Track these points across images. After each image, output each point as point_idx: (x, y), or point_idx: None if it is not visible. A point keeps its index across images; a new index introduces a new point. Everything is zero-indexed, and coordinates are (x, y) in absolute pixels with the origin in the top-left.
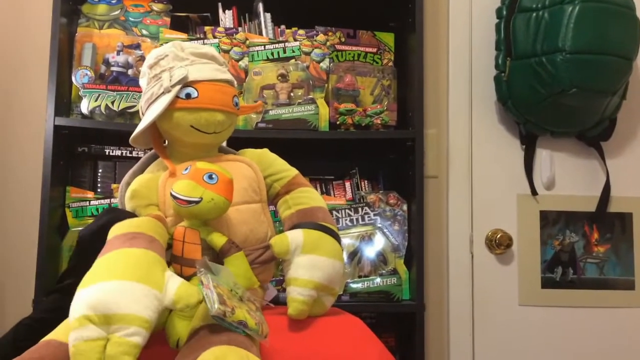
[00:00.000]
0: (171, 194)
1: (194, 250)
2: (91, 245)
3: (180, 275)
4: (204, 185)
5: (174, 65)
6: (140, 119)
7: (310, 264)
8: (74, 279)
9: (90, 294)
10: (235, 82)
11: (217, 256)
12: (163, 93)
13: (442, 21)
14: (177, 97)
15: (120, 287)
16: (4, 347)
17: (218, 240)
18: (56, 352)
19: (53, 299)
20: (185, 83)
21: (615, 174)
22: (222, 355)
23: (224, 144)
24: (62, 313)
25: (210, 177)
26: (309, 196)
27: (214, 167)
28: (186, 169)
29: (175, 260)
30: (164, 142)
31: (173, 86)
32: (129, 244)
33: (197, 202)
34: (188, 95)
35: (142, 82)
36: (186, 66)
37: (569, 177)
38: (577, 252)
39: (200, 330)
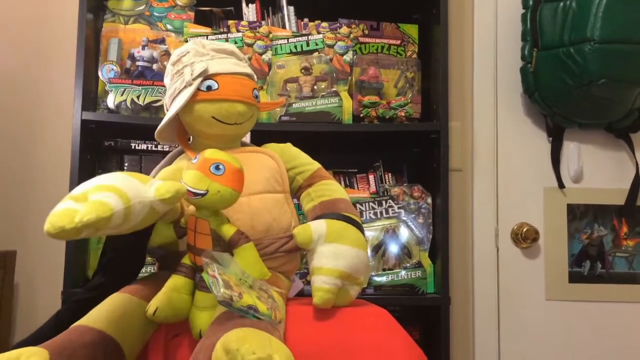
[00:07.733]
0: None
1: (204, 240)
2: None
3: (194, 264)
4: (211, 177)
5: (195, 60)
6: (165, 114)
7: (334, 253)
8: (110, 255)
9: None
10: (256, 77)
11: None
12: (185, 87)
13: (466, 12)
14: (198, 89)
15: (102, 176)
16: (44, 331)
17: (227, 230)
18: (83, 337)
19: (97, 279)
20: (206, 76)
21: None
22: (244, 336)
23: (248, 139)
24: (104, 289)
25: (217, 167)
26: (331, 188)
27: (222, 155)
28: (195, 158)
29: (189, 249)
30: (189, 139)
31: (194, 79)
32: None
33: (202, 195)
34: (209, 88)
35: (167, 80)
36: (207, 60)
37: (597, 170)
38: (606, 246)
39: (223, 314)
